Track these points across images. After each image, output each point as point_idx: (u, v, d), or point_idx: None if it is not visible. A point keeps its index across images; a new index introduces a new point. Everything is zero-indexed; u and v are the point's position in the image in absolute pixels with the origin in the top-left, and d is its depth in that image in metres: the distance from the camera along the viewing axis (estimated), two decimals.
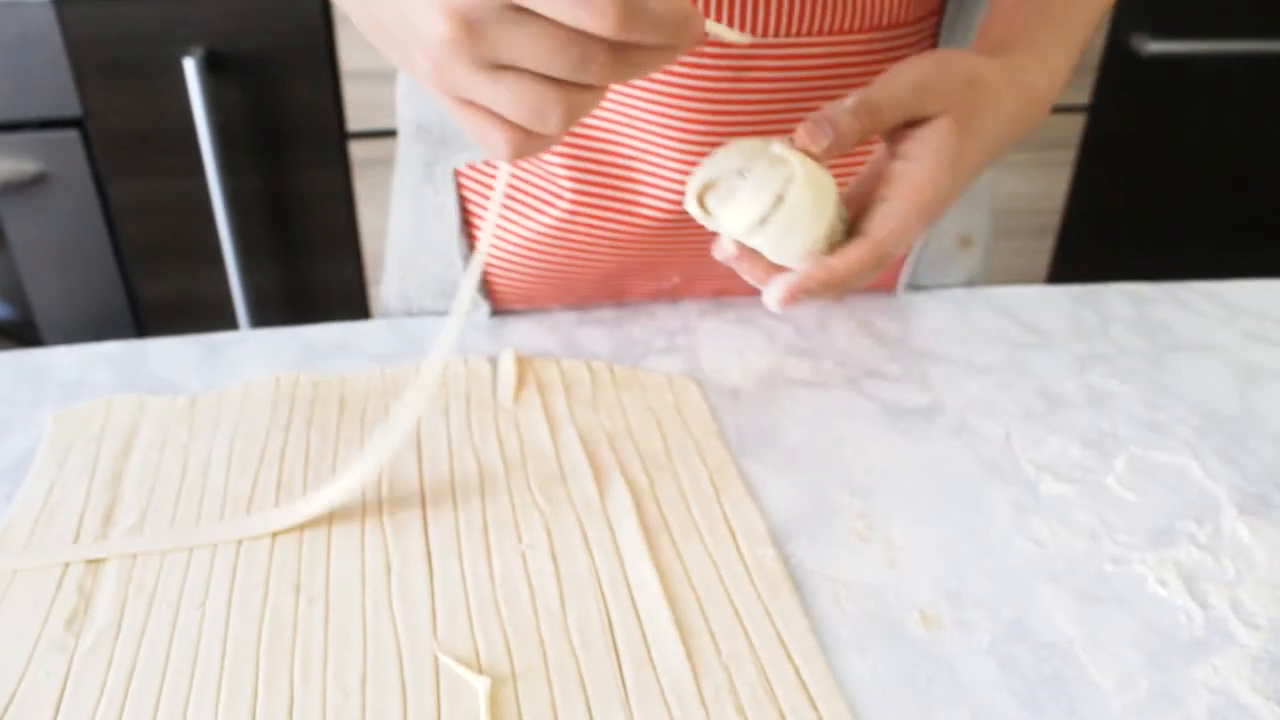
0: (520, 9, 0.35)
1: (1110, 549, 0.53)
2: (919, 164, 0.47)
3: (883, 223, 0.47)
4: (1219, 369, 0.68)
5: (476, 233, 0.68)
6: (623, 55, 0.37)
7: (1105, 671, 0.46)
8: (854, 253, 0.47)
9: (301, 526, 0.53)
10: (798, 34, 0.56)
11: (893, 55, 0.61)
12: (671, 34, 0.36)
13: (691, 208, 0.49)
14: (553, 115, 0.37)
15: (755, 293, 0.73)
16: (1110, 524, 0.54)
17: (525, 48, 0.36)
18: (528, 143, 0.39)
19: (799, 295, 0.48)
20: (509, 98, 0.37)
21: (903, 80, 0.47)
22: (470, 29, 0.36)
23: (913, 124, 0.48)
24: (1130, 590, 0.50)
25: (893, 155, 0.49)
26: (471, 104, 0.39)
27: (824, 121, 0.46)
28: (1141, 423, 0.62)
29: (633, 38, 0.35)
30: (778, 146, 0.47)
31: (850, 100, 0.46)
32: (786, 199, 0.46)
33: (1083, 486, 0.57)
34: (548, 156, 0.63)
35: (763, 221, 0.47)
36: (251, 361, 0.66)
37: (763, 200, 0.46)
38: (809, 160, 0.47)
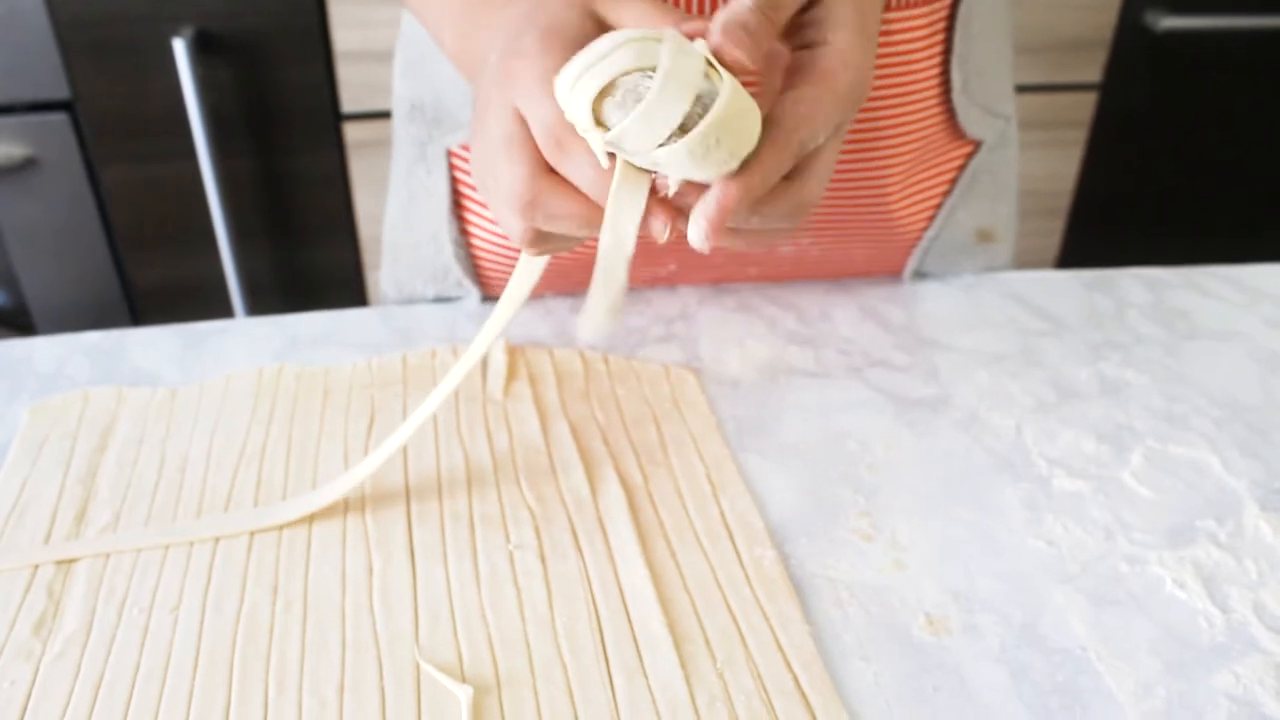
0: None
1: (1126, 548, 0.50)
2: (825, 48, 0.41)
3: (790, 108, 0.39)
4: (1239, 357, 0.65)
5: (468, 215, 0.66)
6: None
7: (1121, 680, 0.44)
8: (764, 152, 0.38)
9: (281, 527, 0.51)
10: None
11: (904, 39, 0.58)
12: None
13: (581, 118, 0.37)
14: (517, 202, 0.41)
15: (755, 279, 0.71)
16: (1126, 522, 0.52)
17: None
18: None
19: (723, 223, 0.39)
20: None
21: None
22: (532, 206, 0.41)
23: (805, 12, 0.42)
24: (1147, 592, 0.48)
25: (798, 45, 0.42)
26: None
27: (735, 27, 0.38)
28: (1159, 414, 0.60)
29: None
30: (673, 36, 0.37)
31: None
32: (712, 103, 0.36)
33: (1097, 482, 0.54)
34: None
35: (683, 130, 0.36)
36: (235, 352, 0.63)
37: (682, 104, 0.36)
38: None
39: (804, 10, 0.42)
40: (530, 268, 0.49)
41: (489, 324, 0.49)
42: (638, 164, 0.38)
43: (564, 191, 0.40)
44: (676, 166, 0.37)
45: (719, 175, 0.38)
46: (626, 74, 0.36)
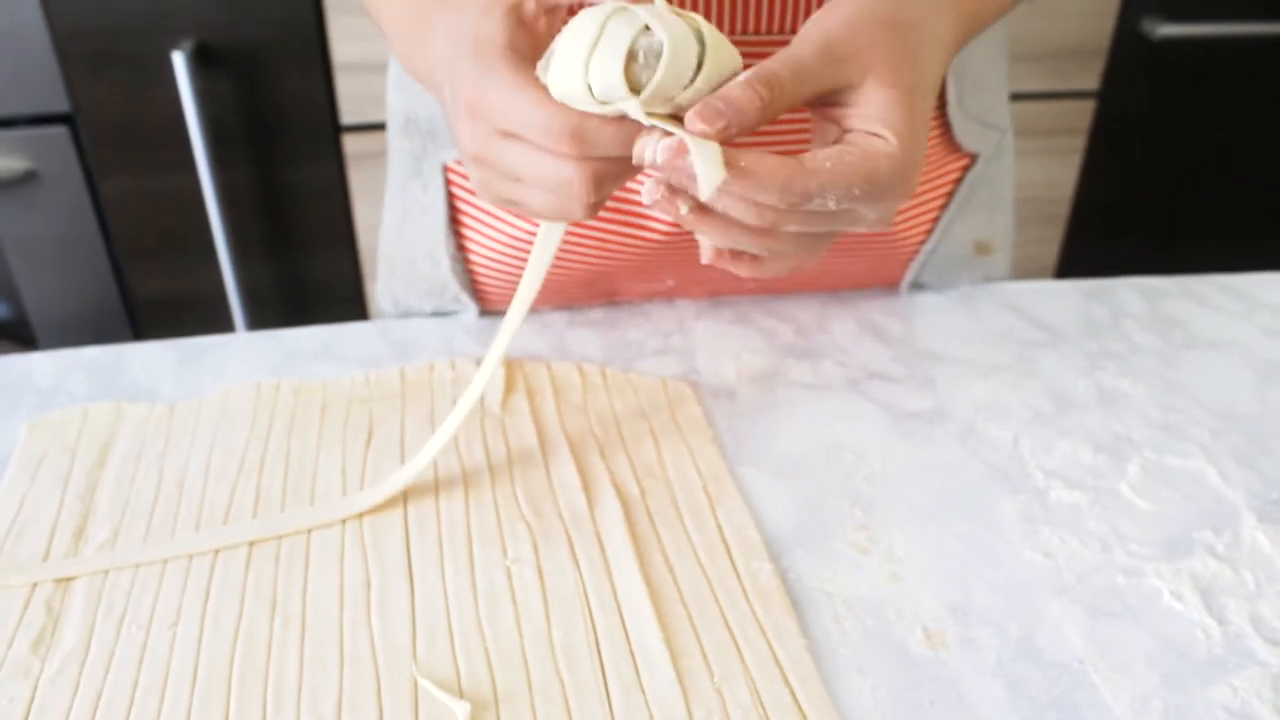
0: (513, 135, 0.41)
1: (1123, 560, 0.50)
2: (880, 141, 0.41)
3: (816, 161, 0.40)
4: (1236, 367, 0.65)
5: (464, 230, 0.66)
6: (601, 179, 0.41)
7: (1118, 693, 0.44)
8: (771, 173, 0.39)
9: (280, 536, 0.51)
10: (791, 31, 0.54)
11: None
12: (625, 148, 0.40)
13: (618, 88, 0.39)
14: (576, 210, 0.42)
15: (752, 291, 0.71)
16: (1123, 534, 0.52)
17: (525, 168, 0.42)
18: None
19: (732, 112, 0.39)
20: (532, 202, 0.43)
21: (805, 42, 0.41)
22: (483, 162, 0.43)
23: (845, 97, 0.42)
24: (1144, 604, 0.48)
25: (840, 140, 0.43)
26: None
27: (716, 100, 0.39)
28: (1155, 425, 0.60)
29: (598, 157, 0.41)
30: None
31: (746, 73, 0.40)
32: (704, 34, 0.40)
33: (1094, 494, 0.54)
34: None
35: (700, 68, 0.40)
36: (233, 366, 0.64)
37: (694, 45, 0.39)
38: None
39: (848, 104, 0.42)
40: (548, 241, 0.49)
41: (520, 295, 0.50)
42: (661, 111, 0.40)
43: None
44: (695, 98, 0.40)
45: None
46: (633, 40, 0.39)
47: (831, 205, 0.40)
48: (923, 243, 0.69)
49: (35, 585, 0.48)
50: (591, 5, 0.41)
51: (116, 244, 1.29)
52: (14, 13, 1.12)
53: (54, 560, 0.49)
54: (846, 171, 0.40)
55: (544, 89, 0.41)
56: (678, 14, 0.40)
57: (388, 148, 0.70)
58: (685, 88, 0.40)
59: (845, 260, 0.68)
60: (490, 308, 0.69)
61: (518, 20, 0.43)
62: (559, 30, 0.42)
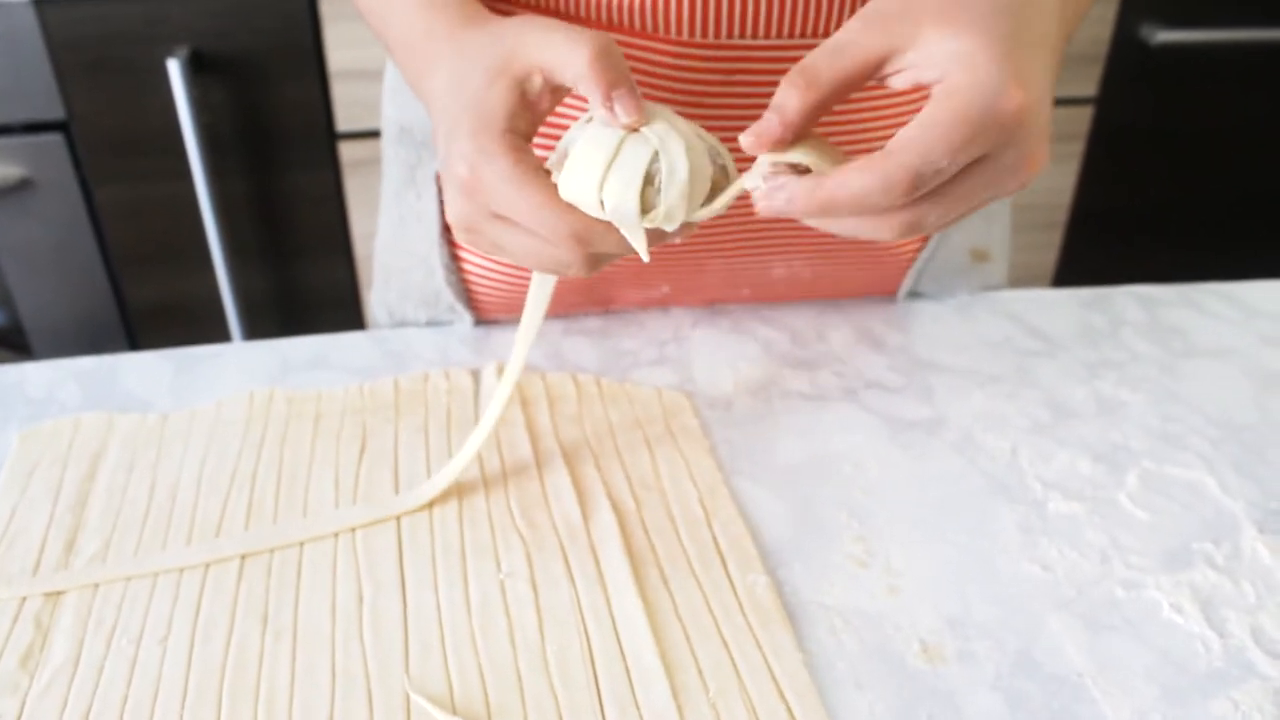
0: (508, 220, 0.43)
1: (1122, 572, 0.50)
2: (945, 79, 0.37)
3: (903, 139, 0.37)
4: (1235, 376, 0.65)
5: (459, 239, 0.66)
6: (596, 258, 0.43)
7: (1118, 707, 0.43)
8: (853, 168, 0.37)
9: (272, 549, 0.50)
10: (789, 35, 0.54)
11: None
12: (625, 248, 0.42)
13: (631, 214, 0.41)
14: (572, 272, 0.44)
15: (749, 300, 0.71)
16: (1122, 545, 0.52)
17: (517, 248, 0.43)
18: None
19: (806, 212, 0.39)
20: (524, 262, 0.44)
21: (844, 29, 0.39)
22: (473, 232, 0.44)
23: (903, 60, 0.39)
24: (1143, 617, 0.48)
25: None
26: None
27: (762, 119, 0.39)
28: (1154, 434, 0.59)
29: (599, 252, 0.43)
30: (602, 119, 0.42)
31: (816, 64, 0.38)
32: (724, 155, 0.43)
33: (1093, 504, 0.54)
34: None
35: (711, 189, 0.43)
36: (226, 376, 0.63)
37: (708, 170, 0.42)
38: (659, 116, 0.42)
39: (908, 63, 0.39)
40: (543, 286, 0.50)
41: (525, 322, 0.51)
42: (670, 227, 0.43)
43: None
44: (709, 215, 0.43)
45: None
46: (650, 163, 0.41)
47: (948, 170, 0.37)
48: (920, 250, 0.68)
49: (24, 599, 0.48)
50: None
51: (112, 252, 1.29)
52: (9, 20, 1.12)
53: (44, 573, 0.49)
54: (933, 126, 0.36)
55: (545, 183, 0.42)
56: (700, 135, 0.42)
57: (382, 156, 0.69)
58: (699, 209, 0.42)
59: (842, 269, 0.68)
60: (485, 317, 0.69)
61: (521, 96, 0.43)
62: (560, 110, 0.43)
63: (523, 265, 0.45)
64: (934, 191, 0.38)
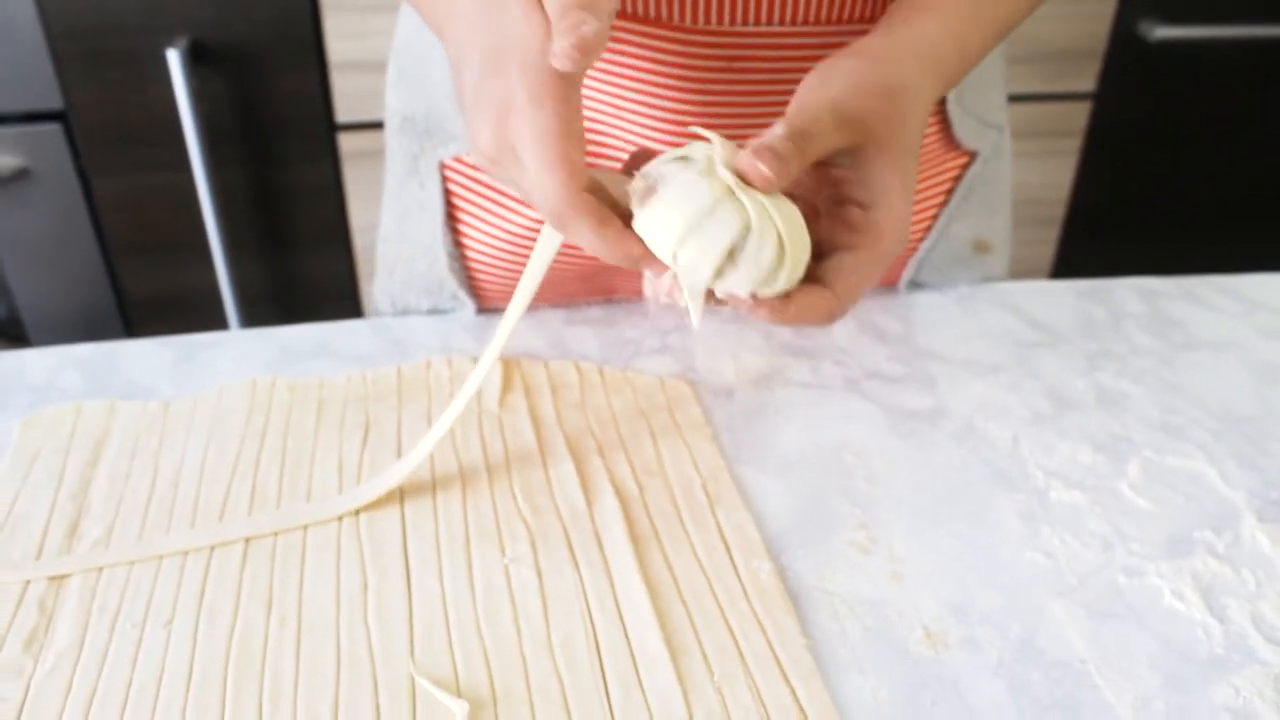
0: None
1: (1124, 560, 0.50)
2: (876, 210, 0.44)
3: (840, 273, 0.44)
4: (1235, 368, 0.65)
5: (461, 227, 0.66)
6: None
7: (1120, 693, 0.43)
8: (813, 299, 0.43)
9: (276, 533, 0.50)
10: (791, 22, 0.54)
11: None
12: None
13: (703, 282, 0.41)
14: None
15: None
16: (1124, 534, 0.52)
17: (533, 195, 0.42)
18: None
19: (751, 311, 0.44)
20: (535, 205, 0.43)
21: (821, 104, 0.43)
22: (493, 161, 0.43)
23: (844, 159, 0.45)
24: (1145, 604, 0.48)
25: (840, 199, 0.45)
26: None
27: (765, 151, 0.41)
28: (1155, 425, 0.60)
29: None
30: (700, 157, 0.42)
31: (780, 128, 0.41)
32: (757, 228, 0.41)
33: (1094, 494, 0.54)
34: None
35: (731, 255, 0.41)
36: (227, 364, 0.63)
37: (770, 250, 0.41)
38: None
39: (847, 166, 0.45)
40: (551, 240, 0.48)
41: (520, 291, 0.50)
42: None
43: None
44: (725, 284, 0.42)
45: (758, 282, 0.42)
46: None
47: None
48: (921, 240, 0.68)
49: (28, 584, 0.47)
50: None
51: (110, 242, 1.29)
52: (8, 9, 1.11)
53: (47, 557, 0.49)
54: (872, 273, 0.44)
55: (579, 172, 0.40)
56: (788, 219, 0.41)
57: (385, 146, 0.69)
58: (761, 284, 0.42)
59: None
60: (487, 305, 0.69)
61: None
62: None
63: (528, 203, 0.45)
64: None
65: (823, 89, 0.44)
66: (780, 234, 0.41)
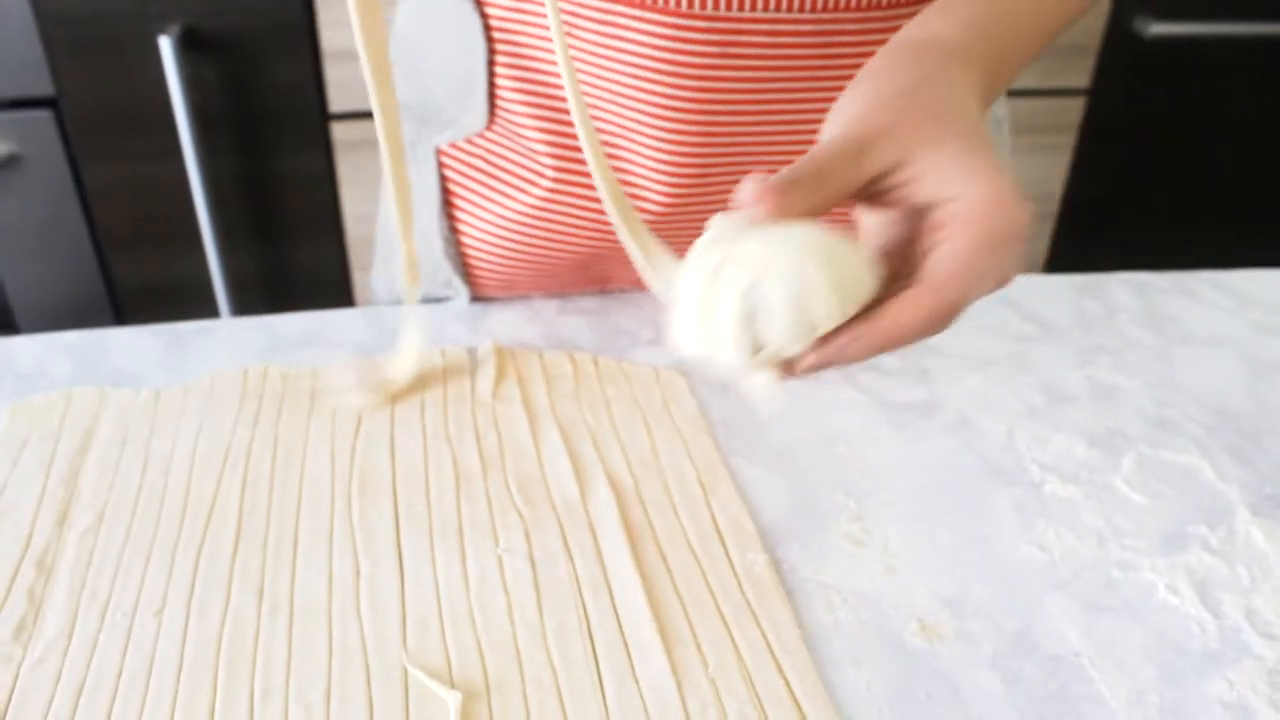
0: None
1: (1118, 554, 0.50)
2: (956, 203, 0.38)
3: (941, 266, 0.37)
4: (1229, 363, 0.65)
5: (457, 213, 0.66)
6: None
7: (1114, 686, 0.43)
8: (900, 304, 0.37)
9: (267, 524, 0.50)
10: (788, 9, 0.54)
11: (889, 37, 0.58)
12: None
13: (741, 354, 0.37)
14: None
15: None
16: (1118, 528, 0.52)
17: None
18: None
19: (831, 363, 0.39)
20: None
21: (832, 140, 0.39)
22: None
23: (901, 181, 0.39)
24: (1139, 599, 0.48)
25: (922, 213, 0.39)
26: None
27: (767, 192, 0.37)
28: (1149, 420, 0.60)
29: None
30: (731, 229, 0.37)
31: (791, 171, 0.37)
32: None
33: (1089, 488, 0.54)
34: (529, 134, 0.60)
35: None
36: (219, 353, 0.63)
37: (829, 302, 0.36)
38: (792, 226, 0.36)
39: (910, 183, 0.39)
40: None
41: None
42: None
43: None
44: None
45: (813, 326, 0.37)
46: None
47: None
48: None
49: (17, 572, 0.47)
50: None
51: (100, 230, 1.28)
52: None
53: (36, 546, 0.48)
54: (978, 258, 0.37)
55: None
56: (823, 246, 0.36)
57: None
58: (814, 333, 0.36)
59: None
60: (481, 293, 0.69)
61: None
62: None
63: None
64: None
65: (834, 125, 0.40)
66: (792, 265, 0.35)
